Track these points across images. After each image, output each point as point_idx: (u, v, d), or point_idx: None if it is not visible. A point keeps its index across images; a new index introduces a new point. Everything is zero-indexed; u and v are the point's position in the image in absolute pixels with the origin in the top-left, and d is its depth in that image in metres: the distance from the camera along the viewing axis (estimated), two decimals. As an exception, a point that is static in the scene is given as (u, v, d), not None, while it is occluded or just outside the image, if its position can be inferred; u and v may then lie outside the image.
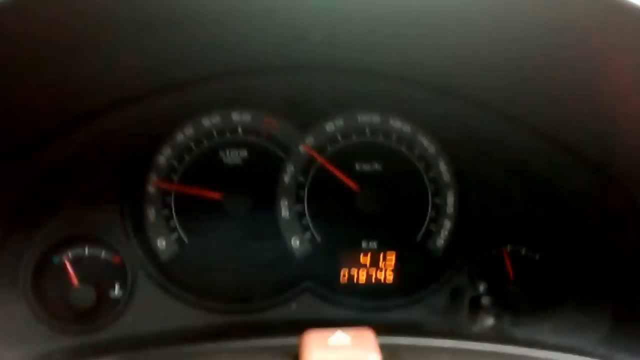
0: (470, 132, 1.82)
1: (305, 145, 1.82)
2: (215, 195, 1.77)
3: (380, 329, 1.30)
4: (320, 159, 1.82)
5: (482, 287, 1.80)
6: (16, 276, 1.67)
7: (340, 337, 1.27)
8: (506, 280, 1.82)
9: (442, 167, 1.86)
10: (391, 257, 1.84)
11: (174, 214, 1.78)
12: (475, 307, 1.69)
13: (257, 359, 1.31)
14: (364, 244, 1.84)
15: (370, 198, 1.82)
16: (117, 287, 1.73)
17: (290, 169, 1.82)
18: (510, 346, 1.48)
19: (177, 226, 1.78)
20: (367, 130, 1.85)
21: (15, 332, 1.65)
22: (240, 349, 1.37)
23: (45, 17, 1.15)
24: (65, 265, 1.72)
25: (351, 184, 1.82)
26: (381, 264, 1.84)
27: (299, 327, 1.65)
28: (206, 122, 1.80)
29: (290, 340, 1.46)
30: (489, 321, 1.67)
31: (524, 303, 1.80)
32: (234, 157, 1.80)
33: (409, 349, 1.35)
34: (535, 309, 1.80)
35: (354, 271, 1.84)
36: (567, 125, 1.74)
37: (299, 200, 1.83)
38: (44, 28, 1.19)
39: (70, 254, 1.73)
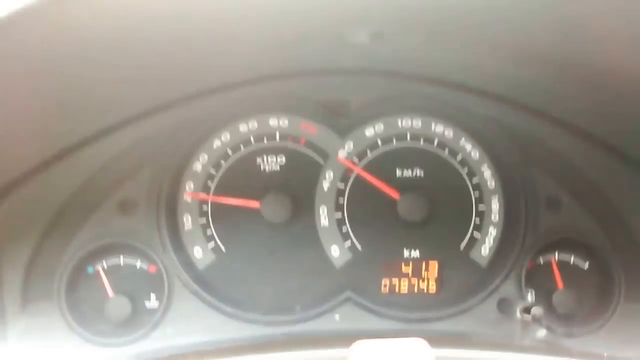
0: (516, 137, 1.76)
1: (340, 157, 1.77)
2: (254, 204, 1.72)
3: (430, 340, 1.24)
4: (357, 169, 1.77)
5: (530, 297, 1.73)
6: (50, 286, 1.63)
7: (393, 347, 1.21)
8: (554, 289, 1.75)
9: (487, 172, 1.80)
10: (434, 267, 1.78)
11: (211, 222, 1.74)
12: (526, 318, 1.61)
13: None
14: (405, 253, 1.78)
15: (412, 205, 1.76)
16: (153, 297, 1.69)
17: (329, 175, 1.77)
18: (567, 358, 1.42)
19: (214, 234, 1.74)
20: (408, 135, 1.79)
21: (50, 344, 1.61)
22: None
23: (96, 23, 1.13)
24: (100, 275, 1.68)
25: (392, 192, 1.76)
26: (424, 273, 1.77)
27: (343, 338, 1.60)
28: (243, 127, 1.76)
29: (336, 352, 1.40)
30: (541, 332, 1.59)
31: (575, 313, 1.73)
32: (271, 163, 1.76)
33: (465, 361, 1.29)
34: (586, 319, 1.72)
35: (396, 281, 1.77)
36: (617, 129, 1.68)
37: (338, 207, 1.77)
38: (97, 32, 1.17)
39: (105, 264, 1.69)
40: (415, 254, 1.78)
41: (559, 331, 1.67)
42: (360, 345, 1.22)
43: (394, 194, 1.75)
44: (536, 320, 1.58)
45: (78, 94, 1.40)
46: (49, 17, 1.04)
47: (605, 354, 1.54)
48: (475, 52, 1.51)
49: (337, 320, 1.69)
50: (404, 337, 1.27)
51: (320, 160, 1.77)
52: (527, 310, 1.61)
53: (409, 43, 1.50)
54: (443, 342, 1.54)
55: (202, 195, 1.74)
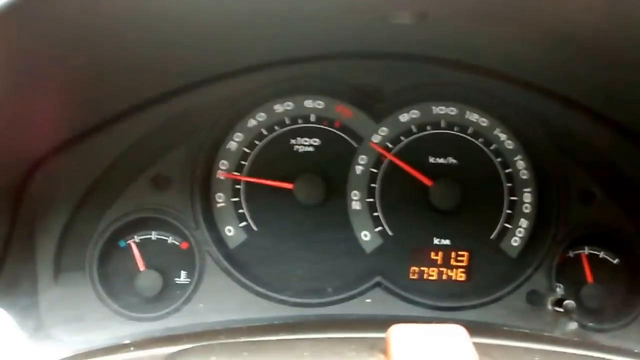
0: (551, 128, 1.75)
1: (373, 142, 1.77)
2: (287, 185, 1.72)
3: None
4: (389, 156, 1.76)
5: (559, 290, 1.73)
6: (83, 258, 1.64)
7: (432, 332, 1.20)
8: (584, 283, 1.74)
9: (520, 163, 1.79)
10: (464, 256, 1.77)
11: (244, 201, 1.74)
12: (558, 310, 1.60)
13: (341, 351, 1.24)
14: (435, 241, 1.77)
15: (444, 193, 1.75)
16: (184, 273, 1.70)
17: (362, 159, 1.76)
18: (598, 353, 1.41)
19: (247, 213, 1.74)
20: (442, 123, 1.78)
21: (80, 314, 1.61)
22: (321, 341, 1.31)
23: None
24: (132, 249, 1.69)
25: (424, 179, 1.75)
26: (453, 262, 1.77)
27: (374, 322, 1.60)
28: (278, 108, 1.75)
29: (368, 336, 1.40)
30: (572, 325, 1.59)
31: (604, 308, 1.72)
32: (305, 145, 1.75)
33: (500, 349, 1.28)
34: (615, 314, 1.71)
35: (425, 268, 1.77)
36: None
37: (370, 192, 1.76)
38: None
39: (137, 238, 1.70)
40: (446, 241, 1.78)
41: (588, 325, 1.67)
42: (399, 328, 1.22)
43: (426, 181, 1.75)
44: (568, 313, 1.58)
45: (116, 68, 1.40)
46: None
47: (635, 350, 1.54)
48: (518, 40, 1.49)
49: (366, 304, 1.69)
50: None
51: (354, 144, 1.76)
52: (558, 302, 1.61)
53: (451, 27, 1.48)
54: (473, 330, 1.55)
55: (236, 175, 1.74)
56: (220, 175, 1.73)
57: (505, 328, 1.63)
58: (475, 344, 1.20)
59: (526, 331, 1.62)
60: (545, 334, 1.60)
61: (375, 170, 1.77)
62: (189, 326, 1.60)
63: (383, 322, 1.27)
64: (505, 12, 1.31)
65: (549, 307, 1.64)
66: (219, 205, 1.74)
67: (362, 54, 1.72)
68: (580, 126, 1.75)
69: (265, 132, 1.75)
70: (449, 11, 1.37)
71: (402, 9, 1.38)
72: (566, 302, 1.58)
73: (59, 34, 1.15)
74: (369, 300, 1.69)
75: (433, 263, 1.77)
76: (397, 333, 1.21)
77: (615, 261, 1.78)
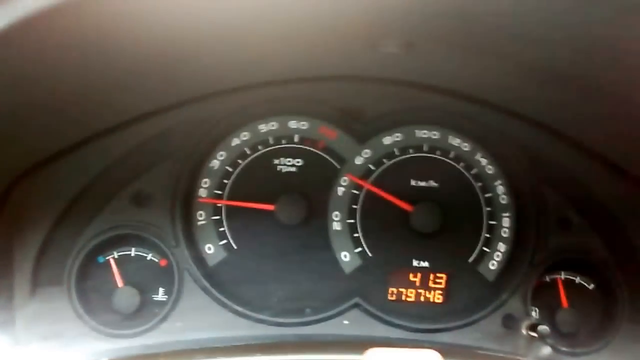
0: (531, 155, 1.77)
1: (350, 174, 1.78)
2: (269, 207, 1.73)
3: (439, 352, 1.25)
4: (367, 185, 1.77)
5: (534, 314, 1.75)
6: (61, 273, 1.63)
7: (407, 357, 1.22)
8: (559, 307, 1.77)
9: (500, 188, 1.81)
10: (442, 278, 1.79)
11: (225, 220, 1.74)
12: (532, 334, 1.62)
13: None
14: (414, 263, 1.79)
15: (425, 217, 1.77)
16: (162, 291, 1.69)
17: (344, 181, 1.78)
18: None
19: (227, 232, 1.74)
20: (425, 146, 1.81)
21: (57, 330, 1.60)
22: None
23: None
24: (110, 265, 1.68)
25: (404, 205, 1.77)
26: (431, 284, 1.79)
27: (350, 344, 1.61)
28: (263, 128, 1.76)
29: (345, 358, 1.41)
30: (546, 350, 1.61)
31: (578, 332, 1.75)
32: (288, 165, 1.76)
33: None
34: (590, 339, 1.74)
35: (403, 289, 1.78)
36: (633, 152, 1.70)
37: (351, 213, 1.78)
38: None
39: (116, 254, 1.69)
40: (425, 263, 1.79)
41: (562, 349, 1.69)
42: (375, 353, 1.23)
43: (406, 207, 1.76)
44: (542, 338, 1.60)
45: (100, 85, 1.39)
46: (72, 10, 1.04)
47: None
48: (498, 69, 1.52)
49: (344, 325, 1.70)
50: (411, 346, 1.29)
51: (337, 165, 1.78)
52: (533, 327, 1.63)
53: (436, 56, 1.51)
54: (448, 353, 1.56)
55: (216, 200, 1.74)
56: (200, 200, 1.74)
57: (480, 352, 1.64)
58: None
59: (501, 355, 1.64)
60: (520, 358, 1.62)
61: (356, 192, 1.78)
62: (166, 344, 1.60)
63: (360, 344, 1.29)
64: (483, 44, 1.34)
65: (524, 331, 1.66)
66: (199, 223, 1.74)
67: (348, 77, 1.74)
68: (559, 154, 1.77)
69: (248, 152, 1.76)
70: (434, 42, 1.39)
71: (390, 39, 1.40)
72: (540, 327, 1.60)
73: (43, 55, 1.15)
74: (346, 322, 1.70)
75: (411, 285, 1.79)
76: (374, 357, 1.22)
77: (591, 286, 1.81)
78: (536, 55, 1.38)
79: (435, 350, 1.27)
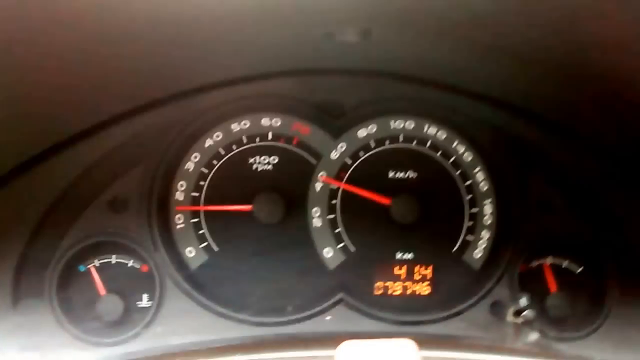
0: (509, 139, 1.75)
1: (324, 176, 1.76)
2: (247, 207, 1.72)
3: (420, 342, 1.23)
4: (342, 185, 1.76)
5: (522, 301, 1.72)
6: (41, 284, 1.63)
7: (380, 348, 1.20)
8: (547, 293, 1.74)
9: (480, 175, 1.79)
10: (427, 270, 1.77)
11: (203, 222, 1.74)
12: (518, 321, 1.60)
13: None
14: (398, 255, 1.77)
15: (404, 208, 1.75)
16: (145, 297, 1.69)
17: (321, 176, 1.77)
18: (557, 361, 1.41)
19: (207, 234, 1.73)
20: (401, 137, 1.79)
21: (40, 342, 1.60)
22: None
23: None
24: (91, 273, 1.68)
25: (381, 199, 1.75)
26: (417, 276, 1.77)
27: (334, 339, 1.59)
28: (235, 127, 1.76)
29: (326, 353, 1.39)
30: (533, 336, 1.58)
31: (568, 317, 1.72)
32: (264, 163, 1.76)
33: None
34: (579, 323, 1.71)
35: (389, 283, 1.77)
36: (612, 132, 1.68)
37: (331, 208, 1.77)
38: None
39: (97, 262, 1.68)
40: (408, 256, 1.78)
41: (551, 335, 1.67)
42: (348, 345, 1.22)
43: (384, 200, 1.75)
44: (527, 323, 1.58)
45: (68, 89, 1.40)
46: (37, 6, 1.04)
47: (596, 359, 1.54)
48: (466, 53, 1.50)
49: (328, 321, 1.68)
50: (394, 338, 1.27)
51: (313, 161, 1.77)
52: (518, 313, 1.61)
53: (398, 42, 1.49)
54: (433, 343, 1.54)
55: (193, 207, 1.74)
56: (178, 208, 1.73)
57: (467, 341, 1.62)
58: (427, 358, 1.20)
59: (487, 343, 1.62)
60: (507, 345, 1.60)
61: (335, 187, 1.77)
62: (150, 349, 1.59)
63: (342, 339, 1.27)
64: (440, 28, 1.33)
65: (509, 318, 1.64)
66: (178, 226, 1.73)
67: (317, 70, 1.73)
68: (536, 136, 1.76)
69: (223, 152, 1.75)
70: (392, 27, 1.38)
71: (344, 27, 1.39)
72: (525, 312, 1.57)
73: (9, 53, 1.15)
74: (328, 318, 1.68)
75: (397, 278, 1.77)
76: (346, 350, 1.21)
77: (578, 270, 1.78)
78: (503, 39, 1.37)
79: (416, 340, 1.25)
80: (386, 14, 1.28)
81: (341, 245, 1.76)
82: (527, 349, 1.59)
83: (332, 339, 1.60)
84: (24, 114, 1.36)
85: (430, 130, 1.79)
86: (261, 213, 1.72)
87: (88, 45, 1.24)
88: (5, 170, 1.54)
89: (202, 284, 1.71)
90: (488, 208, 1.79)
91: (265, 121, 1.76)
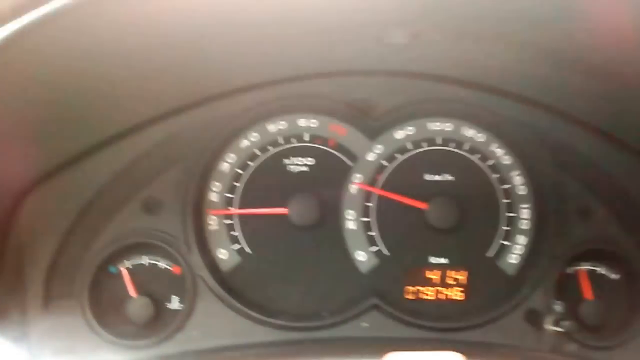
0: (549, 143, 1.72)
1: (358, 182, 1.73)
2: (282, 210, 1.69)
3: (458, 351, 1.21)
4: (377, 191, 1.73)
5: (558, 308, 1.70)
6: (73, 285, 1.61)
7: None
8: (583, 301, 1.72)
9: (517, 179, 1.76)
10: (461, 275, 1.74)
11: (236, 223, 1.71)
12: (556, 330, 1.58)
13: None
14: (432, 260, 1.75)
15: (441, 213, 1.72)
16: (176, 299, 1.66)
17: (357, 178, 1.73)
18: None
19: (240, 236, 1.71)
20: (438, 139, 1.75)
21: (71, 344, 1.58)
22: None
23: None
24: (123, 275, 1.65)
25: (418, 204, 1.72)
26: (450, 281, 1.74)
27: (369, 346, 1.57)
28: (272, 128, 1.72)
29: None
30: (572, 346, 1.56)
31: (604, 325, 1.70)
32: (299, 164, 1.72)
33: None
34: (616, 332, 1.69)
35: (422, 288, 1.74)
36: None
37: (365, 211, 1.73)
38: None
39: (128, 263, 1.66)
40: (443, 260, 1.75)
41: (587, 344, 1.64)
42: (394, 357, 1.20)
43: (420, 205, 1.71)
44: (567, 333, 1.55)
45: (106, 91, 1.37)
46: (79, 15, 1.01)
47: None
48: (510, 55, 1.47)
49: (363, 327, 1.66)
50: (433, 347, 1.25)
51: (349, 163, 1.73)
52: (557, 322, 1.58)
53: (440, 44, 1.45)
54: (471, 352, 1.52)
55: (226, 211, 1.71)
56: (211, 213, 1.70)
57: (503, 350, 1.60)
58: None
59: (525, 351, 1.60)
60: (544, 353, 1.58)
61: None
62: (182, 353, 1.57)
63: (379, 347, 1.25)
64: (486, 30, 1.29)
65: (548, 326, 1.61)
66: (211, 228, 1.70)
67: (355, 71, 1.69)
68: (578, 140, 1.72)
69: (258, 153, 1.72)
70: (440, 31, 1.34)
71: (395, 29, 1.36)
72: (566, 322, 1.55)
73: (48, 62, 1.12)
74: (365, 324, 1.66)
75: (429, 282, 1.74)
76: (395, 363, 1.19)
77: (615, 277, 1.75)
78: (547, 41, 1.33)
79: (457, 351, 1.23)
80: (435, 16, 1.24)
81: (375, 248, 1.73)
82: (564, 358, 1.58)
83: (368, 346, 1.59)
84: (65, 116, 1.33)
85: (469, 132, 1.75)
86: (296, 215, 1.69)
87: (130, 52, 1.21)
88: (42, 171, 1.51)
89: (234, 287, 1.68)
90: (525, 213, 1.76)
91: (301, 122, 1.72)
